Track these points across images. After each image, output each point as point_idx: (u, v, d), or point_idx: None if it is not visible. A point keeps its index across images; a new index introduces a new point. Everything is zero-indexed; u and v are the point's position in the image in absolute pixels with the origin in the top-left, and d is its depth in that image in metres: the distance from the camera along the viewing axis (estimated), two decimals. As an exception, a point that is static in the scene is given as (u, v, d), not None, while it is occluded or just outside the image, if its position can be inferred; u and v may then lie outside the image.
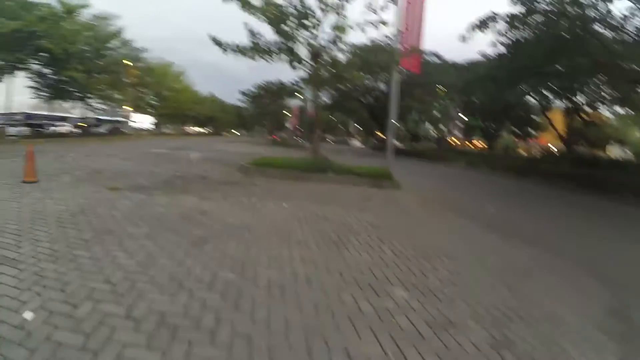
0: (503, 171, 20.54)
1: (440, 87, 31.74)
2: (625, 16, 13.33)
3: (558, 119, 23.91)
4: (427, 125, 55.24)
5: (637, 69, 13.56)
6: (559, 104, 22.72)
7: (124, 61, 31.61)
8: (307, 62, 10.12)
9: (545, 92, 20.76)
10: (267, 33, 9.84)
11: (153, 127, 57.42)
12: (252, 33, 9.94)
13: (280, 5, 9.07)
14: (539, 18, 13.61)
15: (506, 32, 15.27)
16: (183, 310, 2.33)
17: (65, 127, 33.61)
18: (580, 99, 20.68)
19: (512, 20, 13.90)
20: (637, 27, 13.30)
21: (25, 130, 26.48)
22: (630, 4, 13.25)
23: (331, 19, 9.29)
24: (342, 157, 17.11)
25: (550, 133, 35.13)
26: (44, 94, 25.52)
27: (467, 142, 48.86)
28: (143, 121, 58.40)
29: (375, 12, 9.34)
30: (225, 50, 10.16)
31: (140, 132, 51.73)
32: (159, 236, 3.73)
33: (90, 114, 33.77)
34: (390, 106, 11.04)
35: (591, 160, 21.50)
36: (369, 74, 18.71)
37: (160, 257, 3.19)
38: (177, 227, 4.07)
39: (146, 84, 42.17)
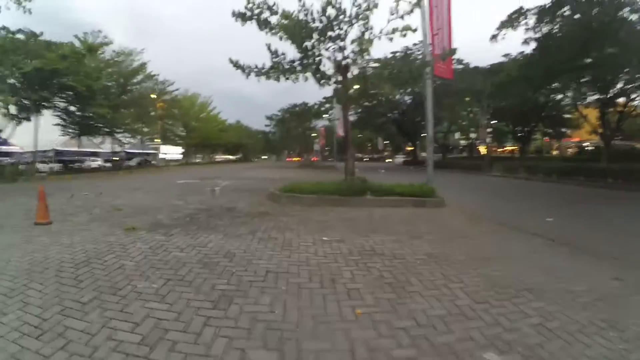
0: (544, 175, 19.18)
1: (469, 93, 30.47)
2: None
3: (592, 115, 22.20)
4: (457, 134, 53.50)
5: None
6: (592, 98, 21.24)
7: (150, 95, 32.50)
8: (334, 77, 9.48)
9: (579, 86, 19.40)
10: (290, 51, 9.33)
11: (182, 157, 58.73)
12: (273, 53, 9.42)
13: (301, 20, 8.52)
14: (569, 8, 12.56)
15: (536, 28, 14.23)
16: None
17: (97, 162, 34.70)
18: (615, 89, 19.13)
19: (542, 15, 12.89)
20: None
21: (56, 166, 27.33)
22: None
23: (356, 29, 8.64)
24: (376, 176, 16.23)
25: (583, 130, 33.05)
26: (72, 130, 26.20)
27: (498, 148, 46.80)
28: (172, 152, 60.05)
29: (402, 17, 8.62)
30: (247, 73, 9.67)
31: (169, 163, 53.10)
32: (172, 294, 2.97)
33: (119, 148, 34.64)
34: (427, 118, 10.07)
35: (632, 152, 19.92)
36: (401, 85, 17.87)
37: (171, 327, 2.41)
38: (196, 279, 3.30)
39: (173, 115, 43.34)
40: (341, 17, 8.46)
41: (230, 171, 28.22)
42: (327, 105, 41.54)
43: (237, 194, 10.35)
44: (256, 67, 9.49)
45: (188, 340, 2.25)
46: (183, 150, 58.04)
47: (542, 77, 15.62)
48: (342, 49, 8.85)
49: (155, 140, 49.11)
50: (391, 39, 8.72)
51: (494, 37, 14.21)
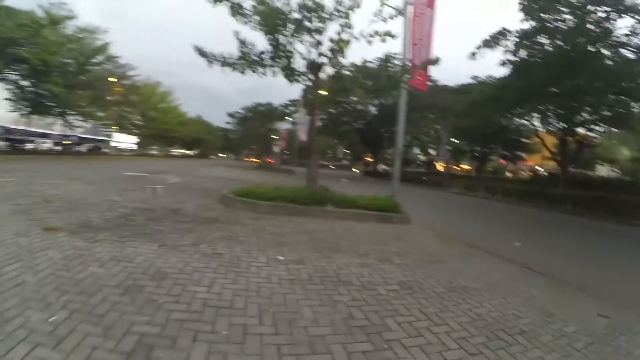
0: (503, 195, 19.74)
1: (435, 110, 31.27)
2: (627, 34, 12.90)
3: (549, 141, 23.50)
4: (416, 149, 54.86)
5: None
6: (553, 125, 22.39)
7: (109, 78, 30.14)
8: (306, 76, 8.84)
9: (544, 113, 20.29)
10: (261, 43, 8.59)
11: (136, 147, 55.30)
12: (242, 42, 8.64)
13: (278, 7, 7.80)
14: (550, 35, 12.91)
15: (515, 51, 14.54)
16: None
17: (46, 145, 31.80)
18: (578, 119, 20.25)
19: (523, 38, 13.16)
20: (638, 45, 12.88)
21: (1, 145, 25.05)
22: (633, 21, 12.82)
23: (336, 25, 8.06)
24: (338, 185, 15.69)
25: (539, 155, 35.14)
26: (22, 107, 23.98)
27: (455, 166, 48.59)
28: (127, 141, 56.41)
29: (384, 20, 8.19)
30: (210, 62, 8.83)
31: (122, 153, 49.71)
32: (73, 336, 2.08)
33: (70, 132, 31.87)
34: (398, 129, 9.72)
35: (589, 180, 21.23)
36: (375, 92, 17.60)
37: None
38: (110, 313, 2.42)
39: (131, 102, 40.63)
40: (320, 10, 7.85)
41: (185, 167, 26.40)
42: (293, 108, 40.98)
43: (187, 194, 9.27)
44: (222, 56, 8.69)
45: None
46: (138, 140, 54.77)
47: (513, 100, 15.99)
48: (318, 44, 8.23)
49: (112, 127, 45.89)
50: (370, 42, 8.27)
51: (473, 54, 14.42)
